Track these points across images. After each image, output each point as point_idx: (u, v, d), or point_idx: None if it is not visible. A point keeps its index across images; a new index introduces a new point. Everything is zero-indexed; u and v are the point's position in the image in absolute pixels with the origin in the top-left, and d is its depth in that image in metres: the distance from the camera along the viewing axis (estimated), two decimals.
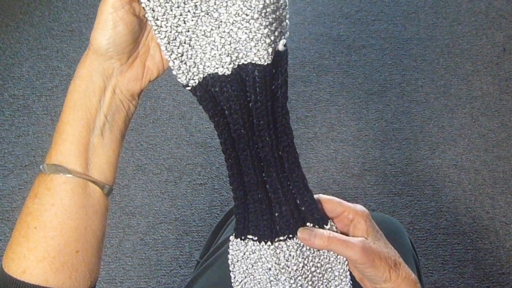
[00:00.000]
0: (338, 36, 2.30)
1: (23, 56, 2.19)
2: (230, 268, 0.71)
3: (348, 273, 0.70)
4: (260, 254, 0.68)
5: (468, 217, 1.75)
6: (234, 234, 0.69)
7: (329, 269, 0.70)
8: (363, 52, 2.24)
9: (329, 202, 0.68)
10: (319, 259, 0.69)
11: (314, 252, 0.69)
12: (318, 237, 0.65)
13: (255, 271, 0.69)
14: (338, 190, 1.82)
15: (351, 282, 0.71)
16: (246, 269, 0.69)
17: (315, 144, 1.94)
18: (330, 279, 0.70)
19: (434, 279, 1.63)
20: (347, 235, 0.68)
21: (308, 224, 0.68)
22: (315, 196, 0.68)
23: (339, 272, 0.70)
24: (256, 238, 0.68)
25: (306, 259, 0.68)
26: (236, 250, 0.69)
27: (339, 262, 0.70)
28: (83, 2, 2.40)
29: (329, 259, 0.70)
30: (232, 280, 0.71)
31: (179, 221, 1.74)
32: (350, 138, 1.96)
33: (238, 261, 0.70)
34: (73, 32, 2.28)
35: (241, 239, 0.69)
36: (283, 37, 0.61)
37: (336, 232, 0.68)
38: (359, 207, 0.68)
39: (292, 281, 0.68)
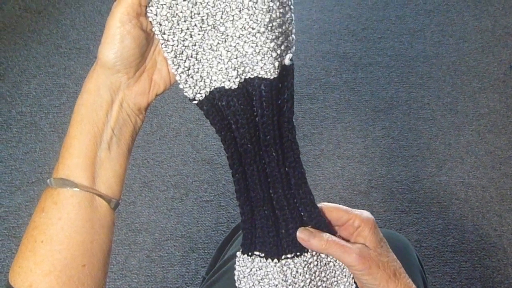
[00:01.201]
0: (345, 54, 2.31)
1: (31, 73, 2.20)
2: (237, 284, 0.70)
3: (354, 286, 0.69)
4: (267, 271, 0.67)
5: (475, 235, 1.74)
6: (241, 250, 0.69)
7: (335, 283, 0.69)
8: (370, 69, 2.25)
9: (335, 210, 0.67)
10: (325, 273, 0.69)
11: (321, 268, 0.68)
12: (317, 239, 0.65)
13: None
14: None
15: None
16: (253, 285, 0.69)
17: (321, 161, 1.94)
18: None
19: None
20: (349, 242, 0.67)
21: None
22: (319, 204, 0.68)
23: (344, 285, 0.69)
24: (263, 255, 0.67)
25: (313, 275, 0.68)
26: (243, 266, 0.69)
27: (345, 275, 0.69)
28: (91, 20, 2.42)
29: (335, 273, 0.69)
30: None
31: (185, 238, 1.73)
32: (357, 155, 1.96)
33: (244, 277, 0.69)
34: (81, 50, 2.30)
35: (248, 255, 0.68)
36: (289, 51, 0.61)
37: None
38: (366, 214, 0.67)
39: None
